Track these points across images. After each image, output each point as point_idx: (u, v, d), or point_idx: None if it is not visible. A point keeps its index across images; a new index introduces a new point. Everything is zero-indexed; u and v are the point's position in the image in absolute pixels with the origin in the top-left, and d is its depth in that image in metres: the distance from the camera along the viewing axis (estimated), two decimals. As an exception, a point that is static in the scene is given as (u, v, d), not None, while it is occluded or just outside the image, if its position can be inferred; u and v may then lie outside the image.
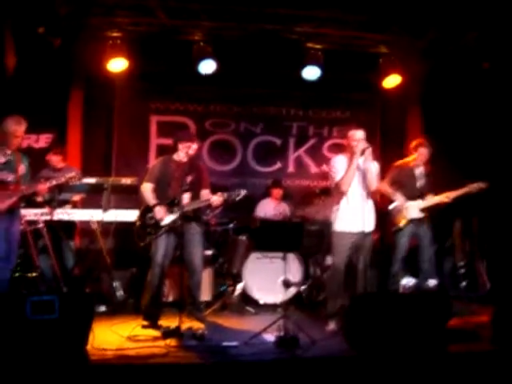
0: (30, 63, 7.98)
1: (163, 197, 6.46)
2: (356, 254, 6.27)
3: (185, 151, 6.51)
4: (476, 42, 8.17)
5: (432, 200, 7.43)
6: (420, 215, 7.44)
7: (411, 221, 7.44)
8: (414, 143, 7.64)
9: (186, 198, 6.30)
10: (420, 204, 7.44)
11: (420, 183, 7.57)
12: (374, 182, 6.36)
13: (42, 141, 8.63)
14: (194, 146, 6.65)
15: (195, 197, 6.46)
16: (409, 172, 7.60)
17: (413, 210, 7.44)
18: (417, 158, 7.59)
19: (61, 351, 4.81)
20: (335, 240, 6.40)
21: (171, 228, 6.33)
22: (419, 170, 7.60)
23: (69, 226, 7.45)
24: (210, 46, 8.33)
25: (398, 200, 7.51)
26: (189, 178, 6.12)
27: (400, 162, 7.71)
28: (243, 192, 6.32)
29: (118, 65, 8.29)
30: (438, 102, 9.39)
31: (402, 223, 7.45)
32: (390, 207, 7.58)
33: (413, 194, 7.49)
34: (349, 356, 5.26)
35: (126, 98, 9.17)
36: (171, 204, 6.34)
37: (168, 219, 6.33)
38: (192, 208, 6.38)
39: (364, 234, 6.10)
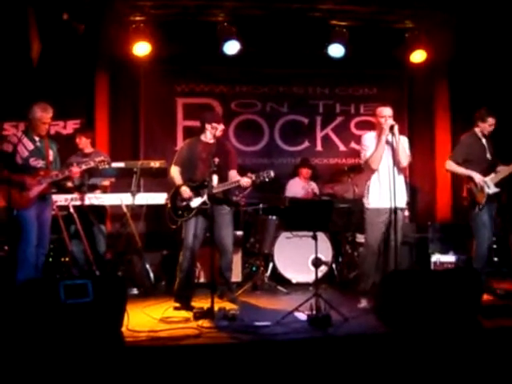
0: (55, 50, 8.05)
1: (191, 179, 6.49)
2: (388, 231, 6.24)
3: (212, 132, 6.53)
4: (504, 13, 8.03)
5: (503, 173, 7.06)
6: (497, 190, 7.06)
7: (490, 197, 7.05)
8: (482, 112, 7.21)
9: (215, 179, 6.30)
10: (494, 178, 7.08)
11: (489, 155, 7.21)
12: (405, 158, 6.30)
13: (70, 127, 8.68)
14: (221, 127, 6.63)
15: (223, 178, 6.45)
16: (478, 144, 7.23)
17: (490, 184, 7.05)
18: (485, 128, 7.20)
19: (96, 334, 4.86)
20: (368, 217, 6.38)
21: (201, 210, 6.35)
22: (485, 141, 7.24)
23: (99, 211, 7.51)
24: (234, 27, 8.32)
25: (476, 177, 7.06)
26: (216, 160, 6.11)
27: (465, 134, 7.37)
28: (272, 173, 6.31)
29: (142, 48, 8.32)
30: (465, 76, 9.27)
31: (484, 201, 7.03)
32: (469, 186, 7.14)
33: (485, 168, 7.13)
34: (381, 333, 5.25)
35: (151, 81, 9.19)
36: (200, 186, 6.36)
37: (197, 201, 6.35)
38: (221, 190, 6.39)
39: (395, 210, 6.05)
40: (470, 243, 7.92)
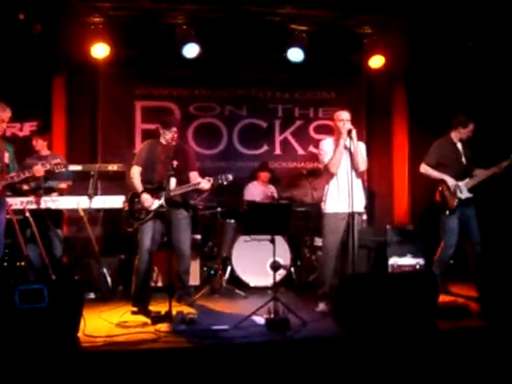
0: (11, 50, 7.93)
1: (150, 181, 6.48)
2: (346, 235, 6.28)
3: (171, 136, 6.52)
4: (460, 20, 8.17)
5: (479, 177, 7.26)
6: (469, 195, 7.28)
7: (462, 201, 7.28)
8: (463, 118, 7.39)
9: (173, 182, 6.27)
10: (468, 183, 7.29)
11: (464, 160, 7.40)
12: (363, 163, 6.36)
13: (27, 129, 8.55)
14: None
15: (182, 181, 6.43)
16: (452, 148, 7.42)
17: (463, 189, 7.28)
18: (462, 133, 7.38)
19: (51, 339, 4.80)
20: (326, 221, 6.43)
21: (158, 213, 6.32)
22: (461, 146, 7.42)
23: (56, 214, 7.39)
24: (193, 30, 8.28)
25: (448, 181, 7.29)
26: (175, 163, 6.09)
27: (440, 139, 7.53)
28: (230, 176, 6.31)
29: (100, 50, 8.24)
30: (422, 81, 9.39)
31: (455, 205, 7.25)
32: (440, 189, 7.37)
33: (459, 173, 7.34)
34: (339, 337, 5.28)
35: (109, 83, 9.09)
36: (158, 189, 6.34)
37: (155, 204, 6.32)
38: (179, 193, 6.37)
39: (353, 215, 6.10)
40: (428, 246, 8.07)
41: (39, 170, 6.29)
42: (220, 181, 6.31)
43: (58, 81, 8.76)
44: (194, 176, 6.58)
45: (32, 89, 8.54)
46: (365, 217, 8.00)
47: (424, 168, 7.45)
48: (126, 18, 8.23)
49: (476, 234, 7.31)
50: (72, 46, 8.33)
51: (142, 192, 6.40)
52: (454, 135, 7.42)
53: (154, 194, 6.36)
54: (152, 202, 6.34)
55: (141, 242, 6.39)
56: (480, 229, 7.32)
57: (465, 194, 7.23)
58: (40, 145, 7.55)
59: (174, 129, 6.56)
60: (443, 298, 5.89)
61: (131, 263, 6.73)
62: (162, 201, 6.25)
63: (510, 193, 7.99)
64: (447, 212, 7.26)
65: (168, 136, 6.53)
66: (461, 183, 7.25)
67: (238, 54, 8.99)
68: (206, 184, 6.35)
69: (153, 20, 8.31)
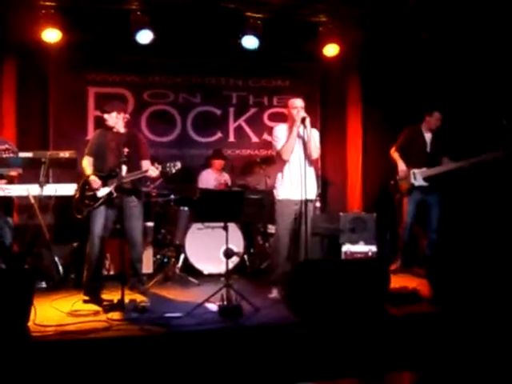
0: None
1: (101, 169, 6.41)
2: (298, 222, 6.31)
3: (113, 121, 6.47)
4: (415, 11, 8.26)
5: (439, 169, 7.57)
6: (424, 183, 7.63)
7: (416, 188, 7.64)
8: (427, 107, 7.76)
9: (124, 170, 6.21)
10: (424, 172, 7.60)
11: (430, 149, 7.73)
12: (316, 151, 6.40)
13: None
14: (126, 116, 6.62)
15: (134, 169, 6.37)
16: (419, 136, 7.79)
17: (417, 177, 7.61)
18: (429, 122, 7.74)
19: (1, 329, 4.73)
20: (278, 208, 6.48)
21: (109, 200, 6.27)
22: (429, 136, 7.76)
23: (6, 202, 7.28)
24: (147, 16, 8.20)
25: (399, 167, 7.77)
26: (126, 150, 6.04)
27: (410, 127, 7.91)
28: (179, 164, 6.27)
29: (52, 35, 8.10)
30: (376, 70, 9.46)
31: (406, 189, 7.71)
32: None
33: (422, 161, 7.68)
34: (292, 323, 5.32)
35: (61, 69, 8.92)
36: (108, 176, 6.29)
37: (104, 191, 6.28)
38: (128, 180, 6.31)
39: (306, 202, 6.13)
40: (380, 234, 8.20)
41: None
42: (168, 168, 6.27)
43: (7, 66, 8.55)
44: (146, 164, 6.52)
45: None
46: (318, 204, 8.06)
47: (392, 151, 7.94)
48: (78, 2, 8.09)
49: (434, 222, 7.68)
50: (23, 29, 8.15)
51: (90, 175, 6.35)
52: (423, 124, 7.82)
53: (105, 181, 6.30)
54: (100, 185, 6.29)
55: (92, 230, 6.34)
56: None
57: (418, 182, 7.58)
58: None
59: (114, 113, 6.50)
60: (394, 284, 5.95)
61: (83, 251, 6.66)
62: (111, 188, 6.21)
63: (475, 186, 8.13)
64: (398, 195, 7.79)
65: (110, 121, 6.49)
66: (417, 171, 7.62)
67: (193, 40, 8.91)
68: (153, 171, 6.31)
69: (106, 5, 8.18)
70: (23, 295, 4.98)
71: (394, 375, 4.73)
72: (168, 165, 6.27)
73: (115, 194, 6.19)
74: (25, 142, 8.29)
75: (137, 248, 6.55)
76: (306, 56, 9.43)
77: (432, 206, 7.70)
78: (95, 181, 6.31)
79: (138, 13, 8.18)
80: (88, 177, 6.37)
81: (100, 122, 6.82)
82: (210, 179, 8.77)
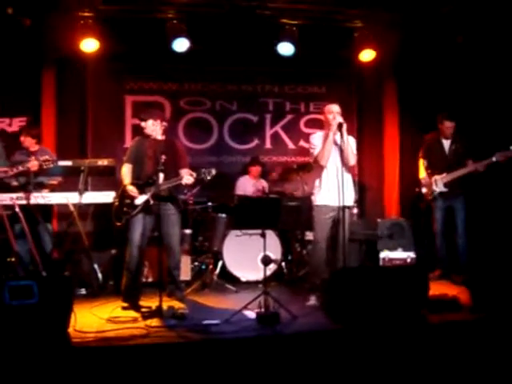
0: (-1, 45, 7.88)
1: (139, 177, 6.45)
2: (336, 228, 6.29)
3: (150, 129, 6.51)
4: (450, 15, 8.18)
5: (456, 173, 7.60)
6: (444, 189, 7.68)
7: (440, 195, 7.70)
8: (440, 116, 7.82)
9: (161, 177, 6.24)
10: (444, 178, 7.65)
11: (449, 155, 7.78)
12: (352, 157, 6.38)
13: (16, 124, 8.49)
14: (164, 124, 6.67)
15: (172, 176, 6.34)
16: (437, 144, 7.86)
17: (438, 183, 7.68)
18: (442, 131, 7.79)
19: (42, 335, 4.79)
20: (316, 214, 6.46)
21: (146, 208, 6.30)
22: (448, 142, 7.80)
23: (46, 210, 7.37)
24: (184, 24, 8.24)
25: (420, 176, 7.94)
26: (163, 157, 6.08)
27: (429, 134, 8.02)
28: (213, 171, 6.26)
29: (90, 45, 8.17)
30: (412, 75, 9.38)
31: (430, 198, 7.81)
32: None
33: (441, 167, 7.74)
34: (330, 330, 5.29)
35: (99, 78, 9.03)
36: (146, 184, 6.31)
37: (141, 199, 6.30)
38: (165, 187, 6.32)
39: (343, 208, 6.10)
40: (418, 240, 8.14)
41: (34, 164, 6.27)
42: (203, 175, 6.26)
43: (47, 76, 8.68)
44: (184, 173, 6.49)
45: (21, 84, 8.46)
46: (355, 210, 8.01)
47: (420, 163, 8.04)
48: (116, 12, 8.17)
49: (460, 227, 7.62)
50: (61, 40, 8.27)
51: (127, 184, 6.40)
52: (440, 132, 7.86)
53: (142, 189, 6.34)
54: (137, 194, 6.33)
55: (130, 237, 6.37)
56: (471, 222, 7.51)
57: (439, 188, 7.64)
58: (28, 141, 7.50)
59: (151, 121, 6.52)
60: (433, 292, 5.88)
61: (122, 258, 6.71)
62: (148, 195, 6.23)
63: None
64: (423, 203, 7.91)
65: (147, 129, 6.53)
66: (438, 177, 7.72)
67: (229, 48, 8.95)
68: (188, 179, 6.30)
69: (143, 14, 8.26)
70: (63, 302, 5.03)
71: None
72: (203, 171, 6.26)
73: (152, 202, 6.22)
74: (64, 150, 8.39)
75: (174, 255, 6.56)
76: (342, 62, 9.41)
77: (457, 211, 7.70)
78: (132, 190, 6.34)
79: (175, 21, 8.23)
80: (125, 186, 6.41)
81: (138, 130, 6.85)
82: (247, 186, 8.78)
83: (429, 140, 7.98)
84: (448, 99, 8.77)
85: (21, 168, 6.21)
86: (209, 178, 6.28)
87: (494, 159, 7.32)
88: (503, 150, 7.27)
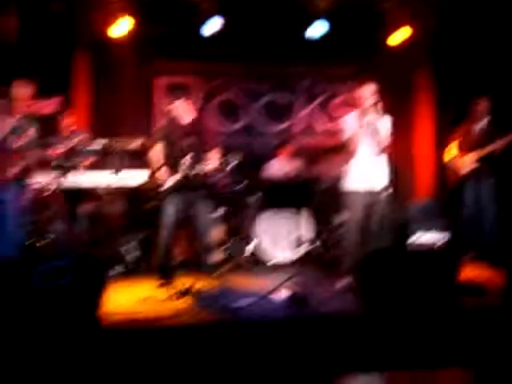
0: (33, 28, 7.93)
1: (168, 158, 6.46)
2: (369, 211, 6.25)
3: (178, 110, 6.51)
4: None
5: (484, 150, 7.49)
6: (473, 165, 7.56)
7: (469, 176, 7.61)
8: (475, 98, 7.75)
9: (188, 159, 6.25)
10: (473, 155, 7.55)
11: (482, 135, 7.64)
12: (387, 138, 6.31)
13: (50, 106, 8.56)
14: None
15: (200, 158, 6.35)
16: (469, 128, 7.75)
17: (466, 162, 7.61)
18: (475, 113, 7.71)
19: (74, 316, 4.85)
20: (347, 198, 6.41)
21: (176, 189, 6.33)
22: (480, 125, 7.69)
23: (80, 191, 7.45)
24: (216, 5, 8.23)
25: (450, 155, 7.84)
26: (190, 140, 6.09)
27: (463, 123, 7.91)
28: (237, 157, 6.26)
29: (122, 27, 8.23)
30: (447, 58, 9.24)
31: (458, 178, 7.73)
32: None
33: (473, 147, 7.61)
34: (361, 313, 5.28)
35: (130, 60, 9.04)
36: (173, 166, 6.33)
37: (170, 181, 6.32)
38: (190, 172, 6.33)
39: (376, 191, 6.07)
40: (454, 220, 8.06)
41: (55, 152, 6.32)
42: (226, 162, 6.28)
43: (80, 58, 8.76)
44: (212, 155, 6.52)
45: (55, 66, 8.51)
46: (388, 192, 7.96)
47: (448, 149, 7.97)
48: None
49: (490, 207, 7.51)
50: (94, 23, 8.37)
51: (160, 167, 6.43)
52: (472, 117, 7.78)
53: (171, 170, 6.37)
54: (166, 177, 6.36)
55: (163, 218, 6.41)
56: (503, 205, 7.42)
57: (469, 166, 7.47)
58: (67, 123, 7.59)
59: (178, 103, 6.53)
60: (466, 275, 5.83)
61: (155, 239, 6.77)
62: (178, 177, 6.26)
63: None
64: (452, 185, 7.84)
65: (175, 111, 6.53)
66: (467, 157, 7.62)
67: (261, 29, 8.92)
68: (212, 164, 6.32)
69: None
70: (96, 282, 5.08)
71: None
72: (228, 157, 6.27)
73: (181, 185, 6.24)
74: (97, 131, 8.43)
75: (204, 237, 6.57)
76: (374, 44, 9.31)
77: (486, 190, 7.56)
78: (163, 174, 6.37)
79: (207, 3, 8.21)
80: (157, 168, 6.45)
81: (167, 112, 6.87)
82: (279, 167, 8.76)
83: (462, 128, 7.85)
84: (488, 81, 8.61)
85: (42, 155, 6.26)
86: (233, 162, 6.28)
87: None
88: None
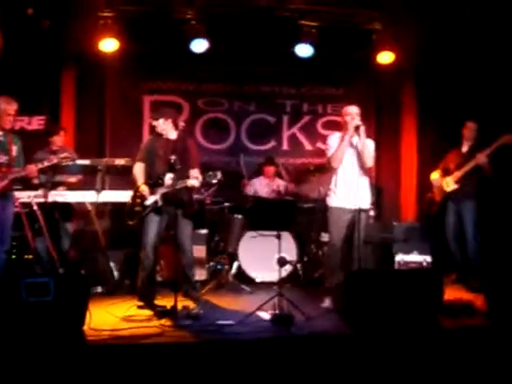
0: (19, 45, 7.92)
1: (151, 176, 6.46)
2: (353, 229, 6.28)
3: (161, 127, 6.52)
4: (474, 17, 8.10)
5: (465, 168, 7.53)
6: (454, 186, 7.59)
7: (449, 197, 7.67)
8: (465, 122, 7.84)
9: (169, 178, 6.25)
10: (454, 175, 7.61)
11: (464, 156, 7.68)
12: (370, 160, 6.35)
13: (35, 123, 8.57)
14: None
15: (182, 176, 6.30)
16: (456, 150, 7.82)
17: (449, 182, 7.66)
18: (465, 135, 7.78)
19: (57, 333, 4.83)
20: (331, 216, 6.45)
21: (157, 208, 6.32)
22: (466, 147, 7.76)
23: (65, 208, 7.43)
24: (203, 25, 8.26)
25: (432, 177, 7.92)
26: (173, 157, 6.08)
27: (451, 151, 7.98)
28: (219, 174, 6.22)
29: (109, 45, 8.21)
30: (432, 78, 9.33)
31: (440, 199, 7.78)
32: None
33: (456, 167, 7.68)
34: (344, 333, 5.29)
35: (118, 78, 9.10)
36: (155, 184, 6.31)
37: (151, 199, 6.30)
38: (171, 190, 6.27)
39: (359, 211, 6.10)
40: (436, 244, 8.10)
41: (32, 169, 6.28)
42: (208, 178, 6.26)
43: (66, 75, 8.78)
44: (194, 173, 6.48)
45: (41, 83, 8.54)
46: (372, 213, 7.99)
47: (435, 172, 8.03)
48: (135, 12, 8.22)
49: (469, 229, 7.52)
50: (81, 40, 8.34)
51: (140, 185, 6.42)
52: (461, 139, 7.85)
53: (153, 189, 6.35)
54: (148, 195, 6.34)
55: (145, 237, 6.39)
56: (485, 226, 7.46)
57: (451, 187, 7.53)
58: (58, 141, 7.59)
59: (162, 120, 6.52)
60: (449, 296, 5.87)
61: (138, 257, 6.75)
62: (157, 196, 6.25)
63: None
64: (435, 207, 7.90)
65: (158, 128, 6.53)
66: (449, 178, 7.69)
67: (247, 49, 8.98)
68: (193, 183, 6.31)
69: (162, 15, 8.29)
70: (79, 299, 5.07)
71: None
72: (209, 174, 6.26)
73: (161, 203, 6.24)
74: (82, 149, 8.42)
75: (187, 254, 6.56)
76: (361, 64, 9.39)
77: (467, 214, 7.56)
78: (144, 190, 6.34)
79: (194, 22, 8.24)
80: (139, 186, 6.44)
81: (152, 128, 6.87)
82: (261, 186, 8.78)
83: (450, 153, 7.92)
84: (469, 101, 8.69)
85: (22, 173, 6.24)
86: (214, 181, 6.28)
87: (502, 141, 7.20)
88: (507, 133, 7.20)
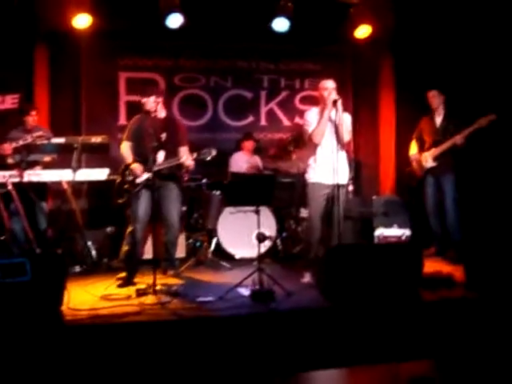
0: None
1: (139, 154, 6.45)
2: (331, 206, 6.26)
3: (151, 105, 6.46)
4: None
5: (442, 146, 7.55)
6: (433, 164, 7.65)
7: (429, 171, 7.69)
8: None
9: (161, 155, 6.23)
10: (432, 152, 7.63)
11: (440, 130, 7.70)
12: (347, 134, 6.33)
13: (8, 102, 8.37)
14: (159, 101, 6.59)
15: (172, 154, 6.37)
16: (429, 123, 7.84)
17: (428, 159, 7.68)
18: (430, 104, 7.81)
19: (34, 313, 4.78)
20: (310, 192, 6.41)
21: (147, 185, 6.29)
22: (439, 118, 7.76)
23: (40, 188, 7.34)
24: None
25: (411, 153, 7.98)
26: (163, 135, 6.06)
27: (424, 117, 7.99)
28: (214, 151, 6.26)
29: (83, 21, 8.08)
30: (409, 51, 9.29)
31: (420, 174, 7.79)
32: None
33: (431, 143, 7.72)
34: (324, 307, 5.29)
35: (92, 55, 8.94)
36: (145, 162, 6.29)
37: (144, 177, 6.30)
38: (163, 167, 6.31)
39: (338, 186, 6.07)
40: (414, 217, 8.13)
41: (5, 148, 6.20)
42: (203, 156, 6.28)
43: (39, 52, 8.59)
44: (183, 151, 6.52)
45: (13, 61, 8.33)
46: (350, 188, 7.98)
47: (412, 142, 8.04)
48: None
49: (449, 204, 7.57)
50: (54, 16, 8.17)
51: (132, 163, 6.40)
52: (432, 110, 7.87)
53: (144, 166, 6.33)
54: (141, 173, 6.31)
55: (134, 214, 6.39)
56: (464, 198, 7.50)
57: (429, 163, 7.61)
58: (31, 120, 7.48)
59: (153, 98, 6.49)
60: (428, 269, 5.88)
61: (117, 236, 6.71)
62: (150, 174, 6.21)
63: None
64: (414, 182, 7.93)
65: (148, 105, 6.49)
66: (427, 153, 7.72)
67: (224, 24, 8.87)
68: (190, 162, 6.33)
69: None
70: (57, 279, 5.01)
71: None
72: (203, 152, 6.26)
73: (152, 181, 6.20)
74: (57, 128, 8.30)
75: (173, 231, 6.57)
76: (338, 39, 9.35)
77: (446, 188, 7.59)
78: (138, 168, 6.35)
79: (169, -4, 8.13)
80: (130, 164, 6.41)
81: (133, 107, 6.80)
82: (241, 162, 8.74)
83: (423, 121, 7.94)
84: (443, 75, 8.68)
85: (21, 142, 6.16)
86: (209, 158, 6.29)
87: (477, 124, 7.22)
88: (483, 116, 7.22)
